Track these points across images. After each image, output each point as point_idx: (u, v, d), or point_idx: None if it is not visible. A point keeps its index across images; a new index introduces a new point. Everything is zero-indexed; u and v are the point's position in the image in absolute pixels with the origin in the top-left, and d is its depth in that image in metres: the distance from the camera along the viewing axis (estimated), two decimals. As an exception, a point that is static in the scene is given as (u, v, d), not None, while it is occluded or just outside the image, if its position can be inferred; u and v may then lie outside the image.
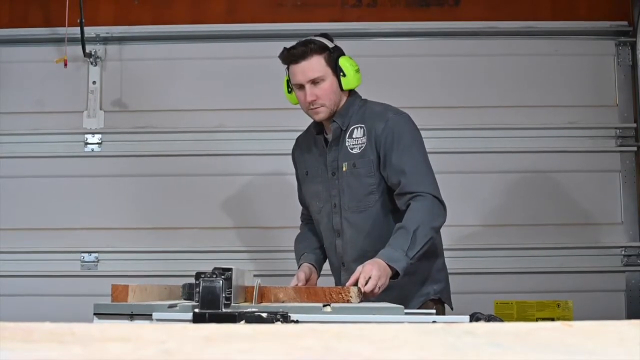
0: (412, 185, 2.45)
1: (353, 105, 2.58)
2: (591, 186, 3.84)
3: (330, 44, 2.54)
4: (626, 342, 0.72)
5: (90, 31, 3.82)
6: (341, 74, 2.51)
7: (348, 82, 2.52)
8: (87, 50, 3.83)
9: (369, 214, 2.54)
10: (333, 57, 2.51)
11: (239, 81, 3.92)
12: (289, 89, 2.61)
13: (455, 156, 3.79)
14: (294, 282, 2.51)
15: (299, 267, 2.64)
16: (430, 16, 3.94)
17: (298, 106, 2.66)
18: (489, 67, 3.92)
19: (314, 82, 2.49)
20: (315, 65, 2.48)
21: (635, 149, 3.85)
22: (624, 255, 3.80)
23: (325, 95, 2.50)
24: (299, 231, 2.90)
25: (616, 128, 3.87)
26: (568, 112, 3.87)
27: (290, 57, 2.51)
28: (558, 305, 3.74)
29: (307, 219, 2.85)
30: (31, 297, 3.74)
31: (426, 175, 2.50)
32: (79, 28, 3.68)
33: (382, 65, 3.83)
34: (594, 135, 3.87)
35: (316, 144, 2.68)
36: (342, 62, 2.52)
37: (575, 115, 3.88)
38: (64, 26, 3.64)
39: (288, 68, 2.55)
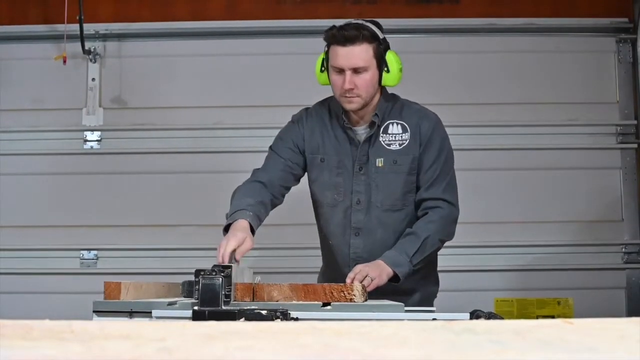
0: (435, 191, 2.43)
1: (387, 100, 2.47)
2: (592, 183, 3.84)
3: (380, 35, 2.38)
4: (626, 340, 0.72)
5: (89, 28, 3.81)
6: (385, 69, 2.36)
7: (389, 79, 2.38)
8: (86, 47, 3.82)
9: (406, 213, 2.45)
10: (381, 49, 2.35)
11: (238, 78, 3.91)
12: (322, 68, 2.42)
13: (454, 153, 3.77)
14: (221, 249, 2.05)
15: (230, 222, 2.22)
16: (430, 13, 3.94)
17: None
18: (489, 64, 3.91)
19: (356, 70, 2.32)
20: (363, 53, 2.31)
21: (635, 146, 3.85)
22: (625, 253, 3.80)
23: (364, 86, 2.34)
24: (272, 209, 2.47)
25: (617, 125, 3.87)
26: (568, 109, 3.87)
27: (339, 37, 2.31)
28: (558, 303, 3.74)
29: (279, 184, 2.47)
30: (30, 294, 3.74)
31: (450, 183, 2.48)
32: (78, 25, 3.68)
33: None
34: (594, 132, 3.87)
35: (337, 132, 2.48)
36: (389, 56, 2.37)
37: (576, 112, 3.87)
38: (63, 23, 3.65)
39: (328, 46, 2.37)
